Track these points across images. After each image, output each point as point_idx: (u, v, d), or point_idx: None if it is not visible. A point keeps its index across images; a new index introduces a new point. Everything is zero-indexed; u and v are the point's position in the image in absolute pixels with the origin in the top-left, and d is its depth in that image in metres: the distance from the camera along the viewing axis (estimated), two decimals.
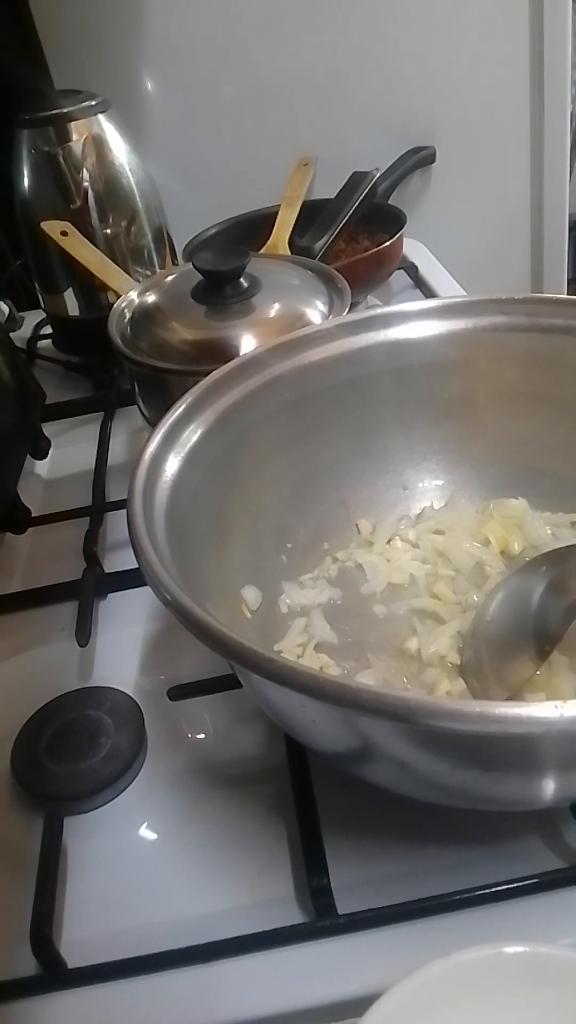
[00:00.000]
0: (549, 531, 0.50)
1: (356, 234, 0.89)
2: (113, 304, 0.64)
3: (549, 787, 0.33)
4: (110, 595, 0.55)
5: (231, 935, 0.36)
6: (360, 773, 0.37)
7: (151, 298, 0.63)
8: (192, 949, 0.35)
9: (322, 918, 0.35)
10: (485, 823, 0.38)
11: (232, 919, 0.37)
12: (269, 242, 0.83)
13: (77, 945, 0.37)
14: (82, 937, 0.37)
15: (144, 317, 0.62)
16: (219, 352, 0.56)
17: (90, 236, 0.73)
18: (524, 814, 0.38)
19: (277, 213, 0.86)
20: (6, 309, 0.92)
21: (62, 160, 0.74)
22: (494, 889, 0.35)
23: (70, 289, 0.79)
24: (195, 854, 0.40)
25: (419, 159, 0.98)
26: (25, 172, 0.76)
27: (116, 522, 0.62)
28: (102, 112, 0.76)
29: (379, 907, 0.35)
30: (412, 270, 0.92)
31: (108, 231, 0.77)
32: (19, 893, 0.38)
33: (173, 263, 0.85)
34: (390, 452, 0.53)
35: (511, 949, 0.29)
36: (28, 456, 0.70)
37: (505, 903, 0.35)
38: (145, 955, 0.35)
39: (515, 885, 0.35)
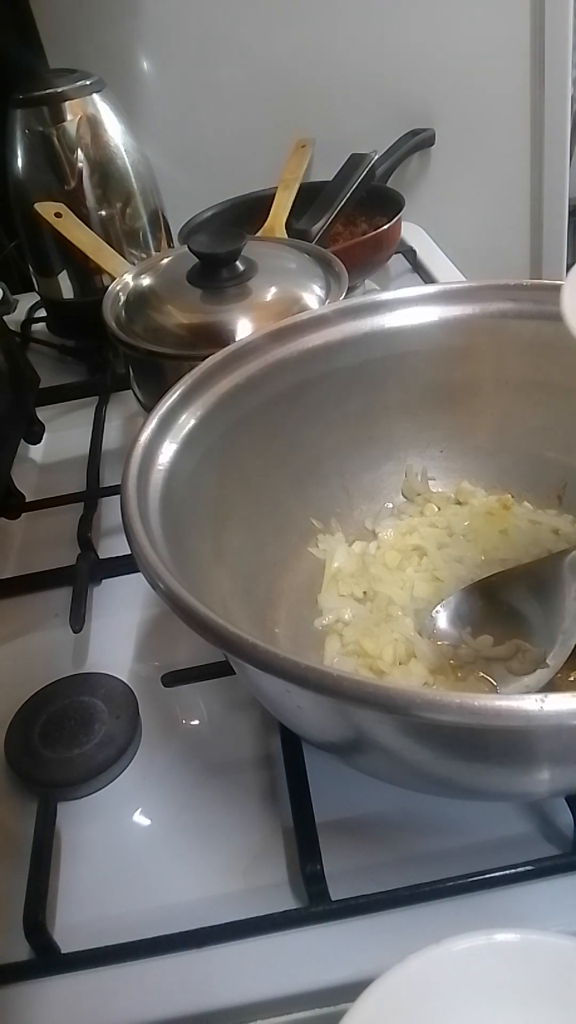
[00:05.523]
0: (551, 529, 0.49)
1: (354, 217, 0.88)
2: (108, 287, 0.63)
3: (533, 781, 0.33)
4: (104, 581, 0.55)
5: (225, 920, 0.36)
6: (347, 760, 0.37)
7: (146, 281, 0.63)
8: (186, 934, 0.36)
9: (315, 904, 0.36)
10: (478, 810, 0.39)
11: (226, 905, 0.37)
12: (266, 225, 0.82)
13: (70, 930, 0.37)
14: (75, 922, 0.37)
15: (139, 300, 0.61)
16: (215, 336, 0.55)
17: (84, 218, 0.72)
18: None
19: (274, 195, 0.85)
20: None
21: (56, 140, 0.73)
22: (487, 876, 0.35)
23: (64, 272, 0.78)
24: (189, 840, 0.40)
25: (418, 141, 0.97)
26: (19, 152, 0.75)
27: (111, 507, 0.62)
28: (97, 92, 0.75)
29: (372, 893, 0.35)
30: (410, 254, 0.91)
31: (103, 213, 0.76)
32: (12, 878, 0.38)
33: (169, 245, 0.84)
34: (394, 439, 0.52)
35: (503, 936, 0.29)
36: (22, 441, 0.69)
37: (498, 890, 0.35)
38: (139, 940, 0.36)
39: (508, 872, 0.35)
